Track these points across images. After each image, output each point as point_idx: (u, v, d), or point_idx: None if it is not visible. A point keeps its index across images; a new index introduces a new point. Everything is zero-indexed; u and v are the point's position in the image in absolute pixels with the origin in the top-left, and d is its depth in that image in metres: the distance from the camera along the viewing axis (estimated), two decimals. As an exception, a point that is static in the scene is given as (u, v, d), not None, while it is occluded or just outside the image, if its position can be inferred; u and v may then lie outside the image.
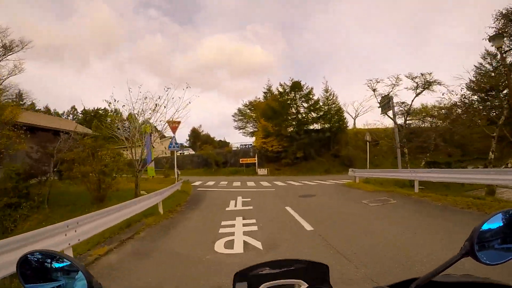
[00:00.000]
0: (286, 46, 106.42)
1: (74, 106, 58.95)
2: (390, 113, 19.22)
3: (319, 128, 36.01)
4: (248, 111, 41.58)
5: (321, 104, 34.72)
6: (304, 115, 34.53)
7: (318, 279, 1.05)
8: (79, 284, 0.81)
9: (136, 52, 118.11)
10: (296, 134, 33.89)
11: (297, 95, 34.32)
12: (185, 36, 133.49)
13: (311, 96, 34.62)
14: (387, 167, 36.56)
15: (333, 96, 35.02)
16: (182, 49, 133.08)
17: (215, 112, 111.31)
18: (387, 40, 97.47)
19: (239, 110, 42.94)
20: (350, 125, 37.93)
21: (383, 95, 21.33)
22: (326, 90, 34.94)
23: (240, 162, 33.00)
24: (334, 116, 34.51)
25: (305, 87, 34.44)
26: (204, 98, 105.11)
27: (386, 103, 20.01)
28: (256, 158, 32.46)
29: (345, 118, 36.30)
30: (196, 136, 49.26)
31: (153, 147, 19.06)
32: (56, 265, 0.87)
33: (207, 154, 36.12)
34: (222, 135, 42.76)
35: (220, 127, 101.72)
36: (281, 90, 34.96)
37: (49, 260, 0.88)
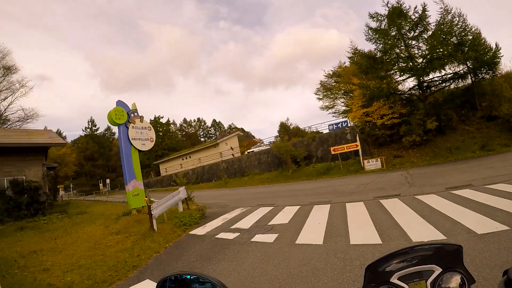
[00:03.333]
0: (361, 21, 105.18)
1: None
2: None
3: (452, 73, 25.51)
4: (335, 83, 36.17)
5: (446, 29, 23.28)
6: (425, 52, 24.05)
7: (451, 262, 1.11)
8: None
9: (216, 63, 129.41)
10: (419, 91, 25.44)
11: (403, 29, 24.57)
12: (258, 37, 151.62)
13: (426, 19, 24.15)
14: None
15: (460, 16, 23.76)
16: (258, 50, 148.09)
17: (304, 106, 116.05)
18: None
19: (321, 83, 38.05)
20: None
21: None
22: (447, 12, 23.61)
23: (332, 152, 24.70)
24: (475, 44, 23.32)
25: (412, 11, 24.49)
26: (290, 93, 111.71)
27: None
28: (358, 142, 23.81)
29: (494, 48, 24.28)
30: (285, 131, 45.65)
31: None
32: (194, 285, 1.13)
33: (278, 148, 28.05)
34: (315, 127, 39.40)
35: (311, 119, 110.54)
36: (375, 25, 25.61)
37: (186, 280, 1.14)
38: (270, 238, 7.83)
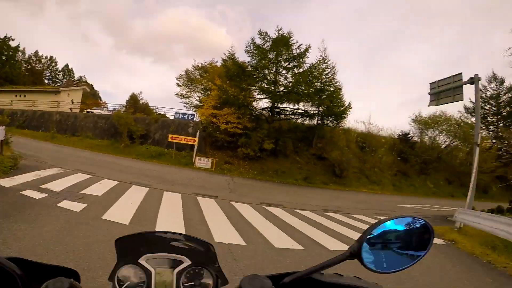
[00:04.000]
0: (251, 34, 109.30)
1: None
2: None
3: (304, 110, 28.49)
4: (199, 76, 36.16)
5: (316, 73, 26.13)
6: (289, 84, 26.69)
7: (203, 258, 1.10)
8: None
9: (97, 6, 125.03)
10: (269, 113, 27.59)
11: (281, 56, 26.15)
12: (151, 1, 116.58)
13: (304, 58, 26.44)
14: (388, 187, 30.75)
15: (332, 70, 26.92)
16: (145, 13, 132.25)
17: (162, 87, 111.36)
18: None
19: (187, 71, 37.73)
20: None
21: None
22: (324, 60, 26.22)
23: (169, 140, 24.39)
24: (333, 96, 26.83)
25: (295, 46, 26.33)
26: (154, 69, 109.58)
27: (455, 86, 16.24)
28: (197, 138, 24.22)
29: (348, 103, 28.37)
30: (134, 104, 42.04)
31: None
32: None
33: (119, 118, 26.80)
34: (163, 110, 39.04)
35: (163, 102, 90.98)
36: (259, 42, 26.80)
37: None
38: (77, 207, 7.38)
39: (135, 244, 1.08)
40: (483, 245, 10.29)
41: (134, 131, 25.75)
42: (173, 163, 22.52)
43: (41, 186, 8.84)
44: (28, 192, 8.09)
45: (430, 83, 18.12)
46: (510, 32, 21.84)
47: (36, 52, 72.29)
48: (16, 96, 41.18)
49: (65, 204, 7.47)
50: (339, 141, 28.86)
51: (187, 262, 1.04)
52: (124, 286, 0.98)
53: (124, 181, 11.75)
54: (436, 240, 10.56)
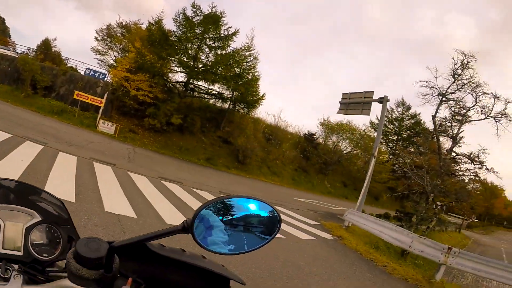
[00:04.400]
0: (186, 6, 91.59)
1: None
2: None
3: (218, 92, 29.14)
4: (120, 35, 34.55)
5: (238, 59, 26.86)
6: (208, 62, 26.77)
7: (54, 216, 1.04)
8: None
9: None
10: (183, 87, 27.56)
11: (208, 34, 26.25)
12: None
13: (230, 41, 26.81)
14: (288, 180, 32.86)
15: (255, 59, 27.81)
16: None
17: (81, 37, 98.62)
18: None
19: (109, 27, 35.52)
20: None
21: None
22: (249, 48, 26.96)
23: (75, 96, 23.25)
24: (249, 84, 27.78)
25: (225, 27, 26.60)
26: (76, 15, 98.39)
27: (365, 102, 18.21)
28: (104, 100, 23.53)
29: (262, 94, 29.81)
30: (46, 50, 37.23)
31: None
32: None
33: (25, 62, 24.20)
34: (75, 64, 32.75)
35: (80, 55, 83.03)
36: (190, 14, 26.17)
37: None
38: None
39: None
40: (368, 244, 11.49)
41: (39, 81, 23.77)
42: (75, 123, 21.48)
43: None
44: None
45: (343, 93, 20.07)
46: (425, 68, 25.13)
47: None
48: None
49: None
50: (247, 128, 30.12)
51: (36, 218, 0.98)
52: None
53: (18, 135, 10.83)
54: (325, 235, 11.65)
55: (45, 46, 42.33)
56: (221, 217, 0.75)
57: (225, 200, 0.75)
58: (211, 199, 0.75)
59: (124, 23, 35.89)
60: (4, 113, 15.85)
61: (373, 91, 18.27)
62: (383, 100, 17.64)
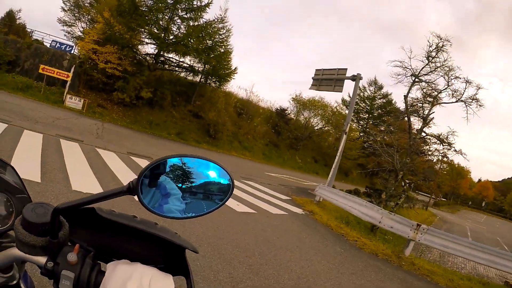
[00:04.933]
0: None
1: None
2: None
3: (189, 65, 28.51)
4: (88, 4, 33.29)
5: (210, 31, 26.37)
6: (180, 34, 26.15)
7: (6, 184, 0.94)
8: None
9: None
10: (153, 60, 26.84)
11: (178, 4, 25.50)
12: None
13: (203, 13, 26.18)
14: (259, 155, 33.29)
15: (228, 32, 27.51)
16: None
17: (47, 8, 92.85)
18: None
19: None
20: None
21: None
22: (222, 21, 26.62)
23: (40, 71, 22.18)
24: (221, 57, 27.45)
25: None
26: None
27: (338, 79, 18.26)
28: (71, 74, 22.69)
29: (234, 68, 29.43)
30: (10, 23, 35.77)
31: None
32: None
33: None
34: (41, 37, 30.24)
35: (47, 27, 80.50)
36: None
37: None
38: None
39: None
40: (338, 219, 11.70)
41: (2, 55, 22.54)
42: (41, 99, 20.67)
43: None
44: None
45: (316, 69, 20.10)
46: (398, 50, 26.35)
47: None
48: None
49: None
50: (218, 102, 29.92)
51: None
52: None
53: None
54: (296, 209, 11.78)
55: (9, 18, 40.30)
56: (180, 185, 0.73)
57: (183, 161, 0.73)
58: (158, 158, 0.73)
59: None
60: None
61: (346, 69, 18.42)
62: (356, 78, 17.79)
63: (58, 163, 7.55)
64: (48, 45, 26.58)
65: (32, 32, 30.99)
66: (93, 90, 24.29)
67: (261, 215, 8.81)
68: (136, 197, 0.69)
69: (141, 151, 13.36)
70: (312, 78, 20.14)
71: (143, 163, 10.86)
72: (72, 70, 22.58)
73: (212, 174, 0.74)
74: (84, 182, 6.74)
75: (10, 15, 40.20)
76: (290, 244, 7.09)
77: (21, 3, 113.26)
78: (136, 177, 0.69)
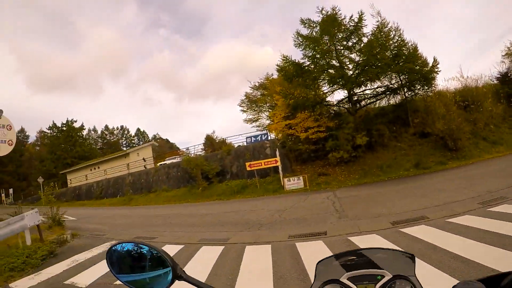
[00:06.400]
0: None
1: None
2: None
3: (384, 86, 24.39)
4: (260, 96, 35.86)
5: (381, 41, 21.98)
6: (359, 61, 22.49)
7: (402, 269, 1.07)
8: (164, 273, 0.99)
9: (149, 71, 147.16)
10: (348, 104, 23.71)
11: (336, 37, 22.73)
12: (193, 48, 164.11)
13: (361, 28, 22.64)
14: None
15: (397, 30, 22.49)
16: (193, 61, 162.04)
17: (232, 119, 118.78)
18: None
19: (247, 95, 37.47)
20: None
21: None
22: (383, 25, 22.21)
23: (248, 168, 22.04)
24: (411, 60, 22.08)
25: (348, 20, 22.77)
26: (219, 105, 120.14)
27: None
28: (278, 158, 21.42)
29: (434, 60, 23.18)
30: (210, 144, 42.51)
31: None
32: (144, 253, 1.04)
33: (188, 162, 25.23)
34: (233, 141, 36.54)
35: (237, 133, 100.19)
36: (306, 32, 23.43)
37: (135, 250, 1.05)
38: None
39: (335, 264, 1.13)
40: None
41: (208, 171, 24.49)
42: (260, 194, 20.42)
43: (65, 282, 6.88)
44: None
45: None
46: None
47: (106, 126, 79.32)
48: (91, 170, 43.98)
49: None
50: (437, 108, 23.58)
51: (388, 276, 1.05)
52: None
53: (191, 242, 9.45)
54: None
55: (209, 140, 47.55)
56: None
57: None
58: None
59: (257, 84, 37.25)
60: (182, 217, 15.56)
61: None
62: None
63: (294, 274, 5.56)
64: (243, 143, 28.38)
65: (225, 139, 36.19)
66: (307, 162, 23.20)
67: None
68: None
69: (405, 212, 9.09)
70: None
71: (425, 231, 6.95)
72: (277, 153, 21.96)
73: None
74: None
75: (209, 138, 48.04)
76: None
77: (213, 124, 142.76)
78: None
